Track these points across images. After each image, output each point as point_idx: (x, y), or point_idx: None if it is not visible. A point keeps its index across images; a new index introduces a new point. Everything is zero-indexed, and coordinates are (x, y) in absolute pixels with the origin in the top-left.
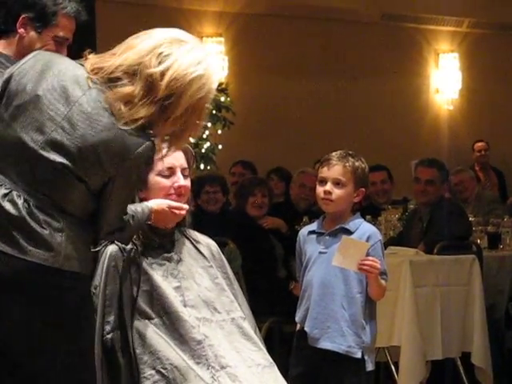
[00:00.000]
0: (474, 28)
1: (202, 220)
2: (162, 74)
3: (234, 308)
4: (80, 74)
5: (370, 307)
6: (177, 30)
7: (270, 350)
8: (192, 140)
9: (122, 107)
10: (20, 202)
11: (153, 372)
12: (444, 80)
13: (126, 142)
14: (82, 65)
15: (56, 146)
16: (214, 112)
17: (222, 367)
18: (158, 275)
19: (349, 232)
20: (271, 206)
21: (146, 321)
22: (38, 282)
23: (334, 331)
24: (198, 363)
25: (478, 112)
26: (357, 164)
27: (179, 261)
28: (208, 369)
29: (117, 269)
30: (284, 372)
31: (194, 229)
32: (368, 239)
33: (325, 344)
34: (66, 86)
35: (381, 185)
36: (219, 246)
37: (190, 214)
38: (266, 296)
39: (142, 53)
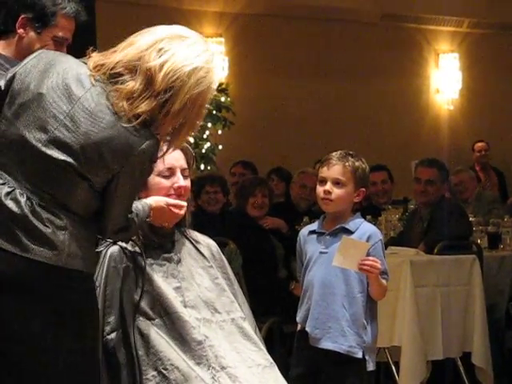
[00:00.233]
0: (474, 28)
1: (202, 220)
2: (161, 67)
3: (234, 308)
4: (83, 72)
5: (371, 307)
6: (179, 26)
7: (271, 351)
8: (192, 140)
9: (124, 103)
10: (23, 200)
11: (155, 373)
12: (444, 80)
13: (129, 139)
14: (85, 63)
15: (59, 144)
16: (214, 112)
17: (223, 368)
18: (159, 276)
19: (349, 232)
20: (271, 206)
21: (148, 321)
22: (41, 280)
23: (335, 331)
24: (198, 364)
25: (478, 112)
26: (357, 164)
27: (179, 261)
28: (208, 369)
29: (117, 270)
30: (284, 372)
31: (194, 229)
32: (368, 239)
33: (326, 344)
34: (69, 84)
35: (381, 185)
36: (219, 247)
37: (190, 215)
38: (267, 296)
39: (142, 48)
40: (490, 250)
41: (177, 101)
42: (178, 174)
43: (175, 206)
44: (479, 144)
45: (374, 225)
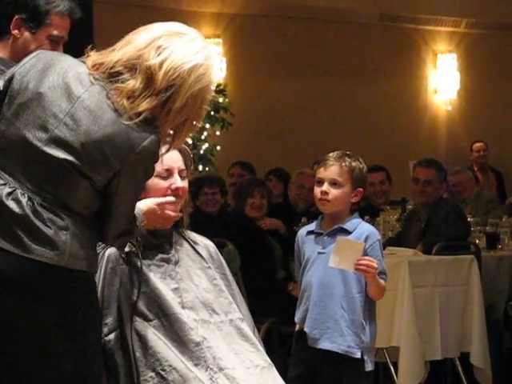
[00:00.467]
0: (472, 28)
1: (200, 221)
2: (160, 65)
3: (233, 309)
4: (82, 71)
5: (369, 307)
6: (176, 23)
7: (269, 351)
8: (190, 141)
9: (125, 102)
10: (24, 200)
11: (153, 374)
12: (442, 80)
13: (130, 136)
14: (84, 62)
15: (60, 143)
16: (212, 113)
17: (221, 369)
18: (156, 277)
19: (347, 232)
20: (270, 207)
21: (145, 322)
22: (43, 281)
23: (334, 331)
24: (196, 365)
25: (476, 112)
26: (354, 164)
27: (177, 262)
28: (206, 370)
29: (114, 271)
30: (283, 373)
31: (192, 230)
32: (366, 239)
33: (324, 344)
34: (69, 83)
35: (379, 185)
36: (218, 247)
37: (188, 216)
38: (265, 297)
39: (141, 46)
40: (488, 251)
41: (178, 98)
42: (176, 175)
43: (166, 204)
44: (477, 144)
45: (372, 225)
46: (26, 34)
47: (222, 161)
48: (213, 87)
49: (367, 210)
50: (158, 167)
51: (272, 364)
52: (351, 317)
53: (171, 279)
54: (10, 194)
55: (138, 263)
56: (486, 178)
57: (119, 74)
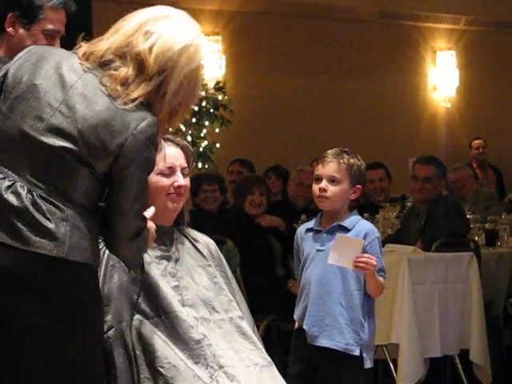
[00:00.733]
0: (471, 25)
1: (199, 218)
2: (150, 50)
3: (233, 307)
4: (75, 61)
5: (368, 305)
6: (161, 6)
7: (269, 348)
8: (189, 138)
9: (119, 87)
10: (24, 192)
11: (153, 371)
12: (441, 78)
13: (125, 119)
14: (76, 53)
15: (56, 131)
16: (211, 110)
17: (221, 367)
18: (157, 274)
19: (346, 229)
20: (269, 205)
21: (145, 320)
22: (43, 274)
23: (333, 329)
24: (196, 363)
25: (475, 109)
26: (352, 161)
27: (178, 260)
28: (206, 368)
29: (115, 268)
30: (283, 370)
31: (192, 227)
32: (365, 236)
33: (323, 342)
34: (62, 73)
35: (378, 183)
36: (217, 245)
37: (189, 213)
38: (265, 294)
39: (129, 33)
40: (487, 247)
41: (171, 81)
42: (178, 172)
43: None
44: (476, 141)
45: (372, 222)
46: (21, 30)
47: (222, 158)
48: (204, 65)
49: (366, 207)
50: (161, 165)
51: (272, 362)
52: (350, 314)
53: (171, 277)
54: (9, 187)
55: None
56: (485, 175)
57: (111, 62)
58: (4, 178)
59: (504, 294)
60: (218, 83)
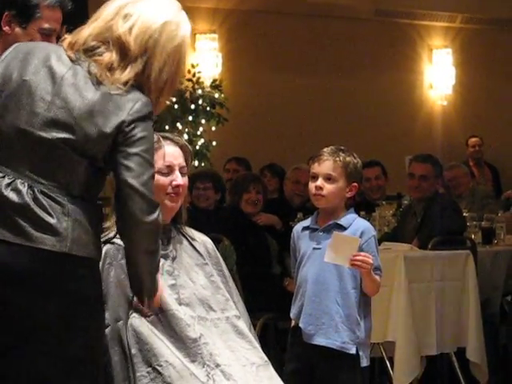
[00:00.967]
0: (468, 23)
1: (196, 217)
2: (130, 31)
3: (229, 306)
4: (62, 53)
5: (364, 303)
6: None
7: (265, 346)
8: (186, 137)
9: (107, 73)
10: (24, 189)
11: (149, 369)
12: (437, 75)
13: (119, 103)
14: (61, 45)
15: (53, 123)
16: (208, 108)
17: (217, 365)
18: None
19: (342, 228)
20: (265, 203)
21: (142, 318)
22: (46, 272)
23: (329, 327)
24: (193, 361)
25: (471, 107)
26: (348, 159)
27: (175, 258)
28: (203, 367)
29: (113, 266)
30: (279, 368)
31: (188, 225)
32: (361, 235)
33: (319, 340)
34: (51, 66)
35: (375, 181)
36: (213, 243)
37: (186, 211)
38: (261, 292)
39: (108, 18)
40: (483, 245)
41: (155, 61)
42: (177, 171)
43: None
44: (473, 139)
45: (368, 220)
46: (17, 29)
47: (218, 156)
48: (188, 42)
49: (363, 206)
50: (159, 163)
51: (268, 361)
52: (346, 312)
53: (168, 275)
54: (9, 184)
55: None
56: (482, 173)
57: (94, 48)
58: (4, 177)
59: (500, 292)
60: (214, 81)
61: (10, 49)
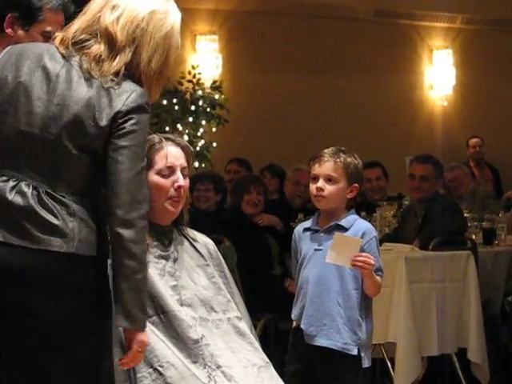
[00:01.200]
0: (468, 24)
1: (197, 218)
2: (117, 21)
3: (231, 308)
4: (54, 51)
5: (365, 304)
6: None
7: (266, 347)
8: (186, 138)
9: (97, 66)
10: (29, 191)
11: (151, 370)
12: (438, 76)
13: (113, 95)
14: (53, 43)
15: (51, 122)
16: (208, 110)
17: (219, 366)
18: (155, 274)
19: (343, 229)
20: (266, 204)
21: None
22: (55, 271)
23: (330, 328)
24: (194, 362)
25: (472, 108)
26: (348, 160)
27: (176, 259)
28: (204, 368)
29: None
30: (280, 369)
31: (190, 226)
32: (363, 236)
33: (321, 341)
34: (44, 65)
35: (376, 181)
36: (214, 244)
37: (188, 213)
38: (262, 293)
39: (96, 11)
40: (484, 246)
41: (143, 50)
42: (178, 172)
43: None
44: (473, 140)
45: (369, 221)
46: (20, 31)
47: (218, 158)
48: (178, 29)
49: (364, 206)
50: (161, 164)
51: (269, 363)
52: (347, 313)
53: (170, 276)
54: (13, 187)
55: None
56: (482, 174)
57: (83, 41)
58: (8, 180)
59: (501, 293)
60: (214, 82)
61: (3, 52)
